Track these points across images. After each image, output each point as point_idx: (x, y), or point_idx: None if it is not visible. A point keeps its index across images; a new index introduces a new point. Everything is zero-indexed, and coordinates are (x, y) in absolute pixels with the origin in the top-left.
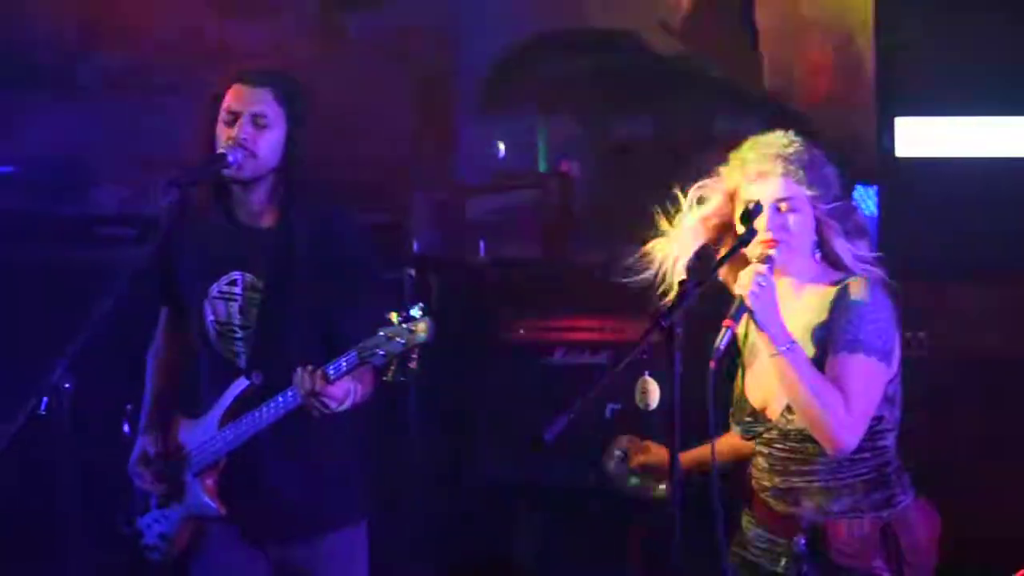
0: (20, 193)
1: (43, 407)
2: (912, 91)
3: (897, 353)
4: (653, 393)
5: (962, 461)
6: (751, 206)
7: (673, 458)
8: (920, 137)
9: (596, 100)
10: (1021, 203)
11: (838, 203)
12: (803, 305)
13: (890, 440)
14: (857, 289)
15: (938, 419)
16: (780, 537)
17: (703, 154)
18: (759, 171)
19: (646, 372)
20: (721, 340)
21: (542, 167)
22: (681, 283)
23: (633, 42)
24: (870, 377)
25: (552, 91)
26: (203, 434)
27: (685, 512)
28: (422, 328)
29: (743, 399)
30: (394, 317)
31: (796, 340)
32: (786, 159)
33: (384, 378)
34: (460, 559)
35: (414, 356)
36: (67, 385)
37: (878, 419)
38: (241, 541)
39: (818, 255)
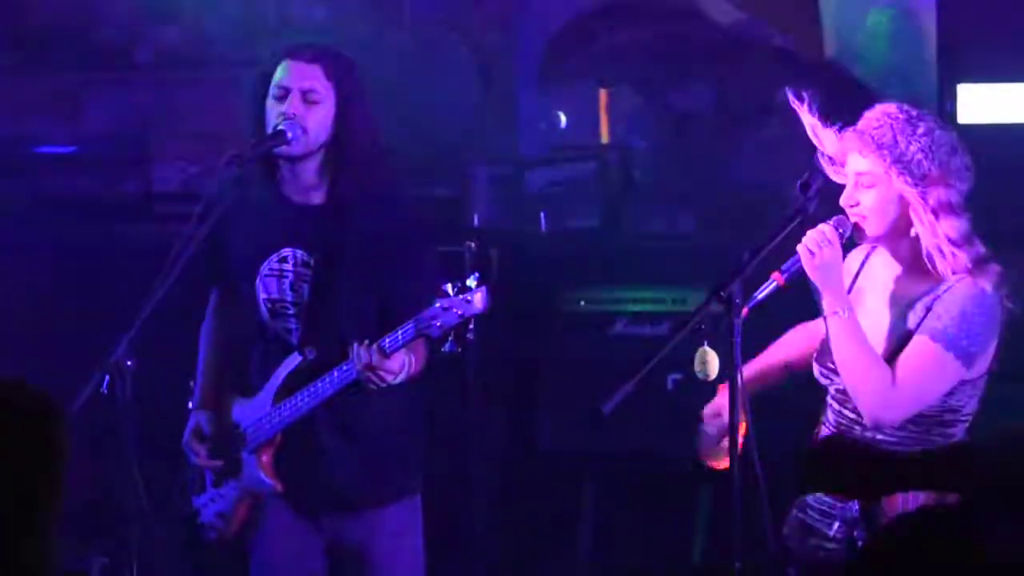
0: (82, 172)
1: (105, 385)
2: (974, 57)
3: (985, 358)
4: (712, 363)
5: None
6: (806, 177)
7: (732, 430)
8: (982, 103)
9: (656, 70)
10: None
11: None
12: (894, 281)
13: (960, 429)
14: (965, 288)
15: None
16: (837, 500)
17: (764, 123)
18: (845, 145)
19: (705, 342)
20: (763, 290)
21: (603, 138)
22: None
23: (692, 11)
24: (939, 369)
25: (612, 62)
26: (257, 411)
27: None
28: (478, 299)
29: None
30: (450, 288)
31: (853, 307)
32: (863, 134)
33: (442, 349)
34: (523, 531)
35: (471, 327)
36: (129, 363)
37: (955, 410)
38: (296, 516)
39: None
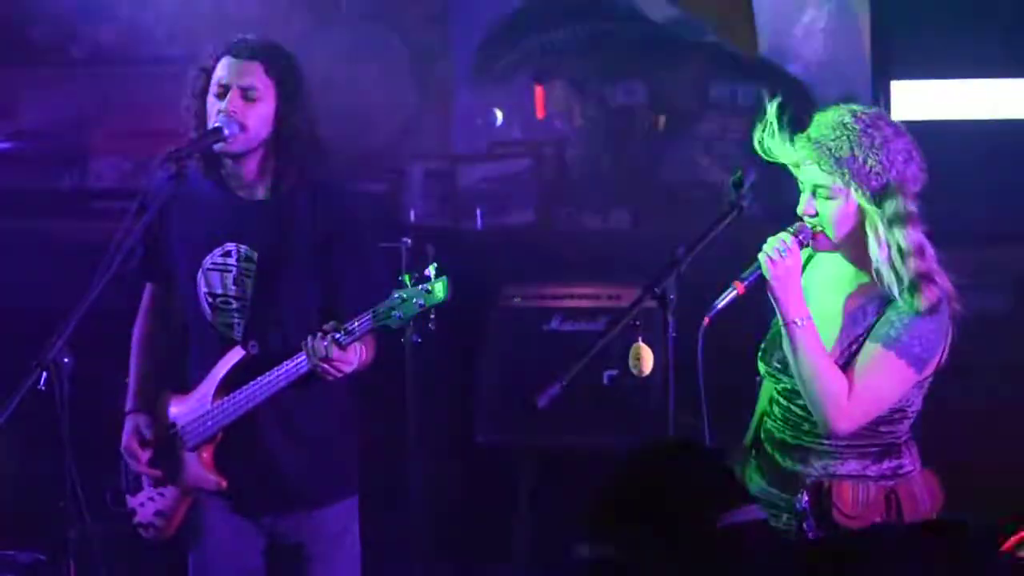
0: (18, 168)
1: (42, 382)
2: (908, 54)
3: (936, 362)
4: (646, 360)
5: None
6: (738, 175)
7: (668, 422)
8: (916, 100)
9: (590, 66)
10: (1016, 166)
11: (888, 194)
12: (848, 284)
13: (905, 427)
14: (923, 297)
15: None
16: (783, 493)
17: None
18: (800, 155)
19: (639, 338)
20: (723, 298)
21: (537, 135)
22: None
23: (627, 7)
24: (893, 377)
25: (547, 59)
26: (196, 408)
27: None
28: (439, 288)
29: (779, 342)
30: (407, 279)
31: (811, 316)
32: (821, 145)
33: (401, 340)
34: (460, 524)
35: (432, 316)
36: (66, 360)
37: (902, 409)
38: (235, 516)
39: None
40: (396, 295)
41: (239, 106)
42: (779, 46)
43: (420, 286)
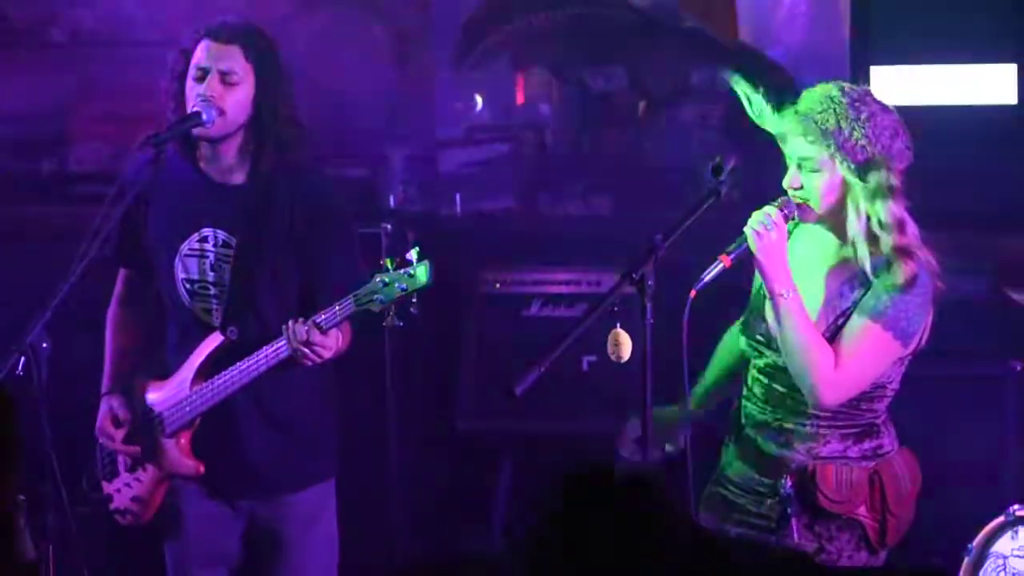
0: None
1: (20, 367)
2: (888, 40)
3: (920, 336)
4: (625, 346)
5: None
6: (718, 160)
7: (645, 409)
8: (895, 85)
9: (571, 52)
10: (994, 150)
11: (872, 167)
12: (832, 257)
13: (883, 404)
14: (901, 271)
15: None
16: (766, 478)
17: (678, 105)
18: (786, 128)
19: (617, 324)
20: (709, 271)
21: (517, 120)
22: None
23: None
24: (879, 349)
25: (528, 43)
26: (174, 394)
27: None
28: (422, 272)
29: (761, 316)
30: (389, 263)
31: (797, 288)
32: (807, 118)
33: (383, 324)
34: (439, 510)
35: (414, 300)
36: (44, 345)
37: (883, 386)
38: (212, 502)
39: None
40: (378, 279)
41: (218, 90)
42: (760, 31)
43: (402, 270)
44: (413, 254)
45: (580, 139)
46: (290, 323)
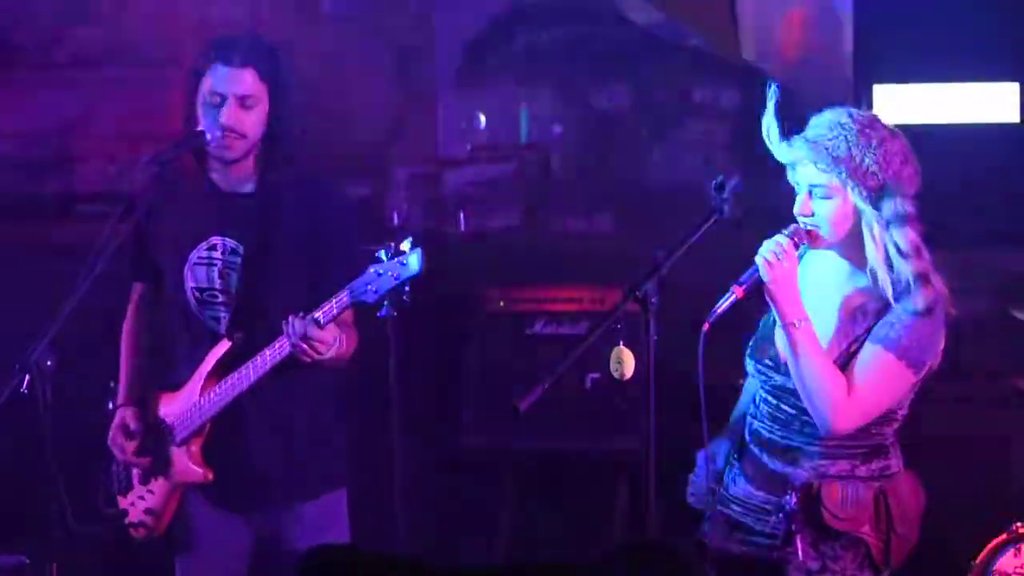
0: (4, 172)
1: (25, 385)
2: (890, 58)
3: (931, 365)
4: (628, 363)
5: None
6: (720, 178)
7: (648, 425)
8: (898, 103)
9: (574, 70)
10: (996, 169)
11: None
12: (845, 283)
13: (892, 429)
14: (921, 297)
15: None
16: (770, 495)
17: (680, 123)
18: (795, 155)
19: (621, 342)
20: (722, 303)
21: (521, 138)
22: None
23: (610, 11)
24: (892, 378)
25: (531, 62)
26: (184, 403)
27: (665, 476)
28: (414, 260)
29: (770, 340)
30: (383, 254)
31: (808, 317)
32: (817, 145)
33: (378, 315)
34: (444, 526)
35: (406, 290)
36: (49, 363)
37: (894, 412)
38: (222, 513)
39: None
40: (372, 269)
41: (238, 116)
42: (761, 49)
43: (395, 259)
44: (406, 244)
45: (583, 157)
46: (290, 318)
